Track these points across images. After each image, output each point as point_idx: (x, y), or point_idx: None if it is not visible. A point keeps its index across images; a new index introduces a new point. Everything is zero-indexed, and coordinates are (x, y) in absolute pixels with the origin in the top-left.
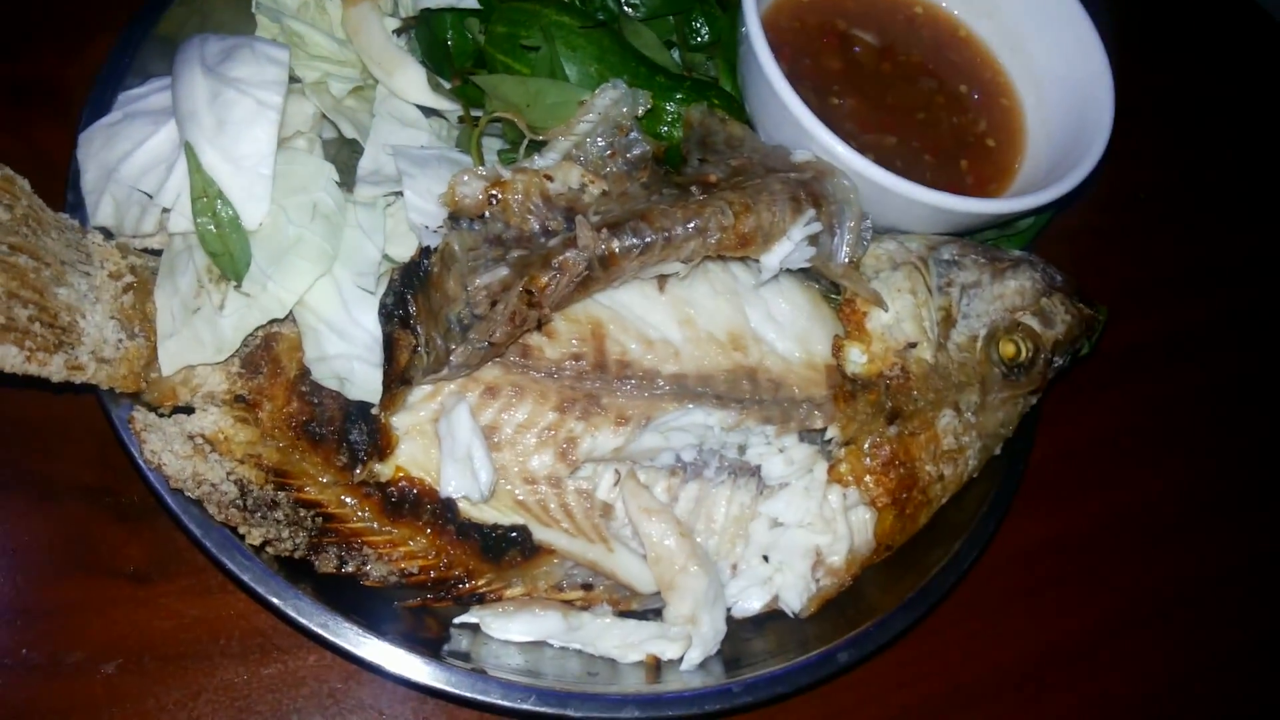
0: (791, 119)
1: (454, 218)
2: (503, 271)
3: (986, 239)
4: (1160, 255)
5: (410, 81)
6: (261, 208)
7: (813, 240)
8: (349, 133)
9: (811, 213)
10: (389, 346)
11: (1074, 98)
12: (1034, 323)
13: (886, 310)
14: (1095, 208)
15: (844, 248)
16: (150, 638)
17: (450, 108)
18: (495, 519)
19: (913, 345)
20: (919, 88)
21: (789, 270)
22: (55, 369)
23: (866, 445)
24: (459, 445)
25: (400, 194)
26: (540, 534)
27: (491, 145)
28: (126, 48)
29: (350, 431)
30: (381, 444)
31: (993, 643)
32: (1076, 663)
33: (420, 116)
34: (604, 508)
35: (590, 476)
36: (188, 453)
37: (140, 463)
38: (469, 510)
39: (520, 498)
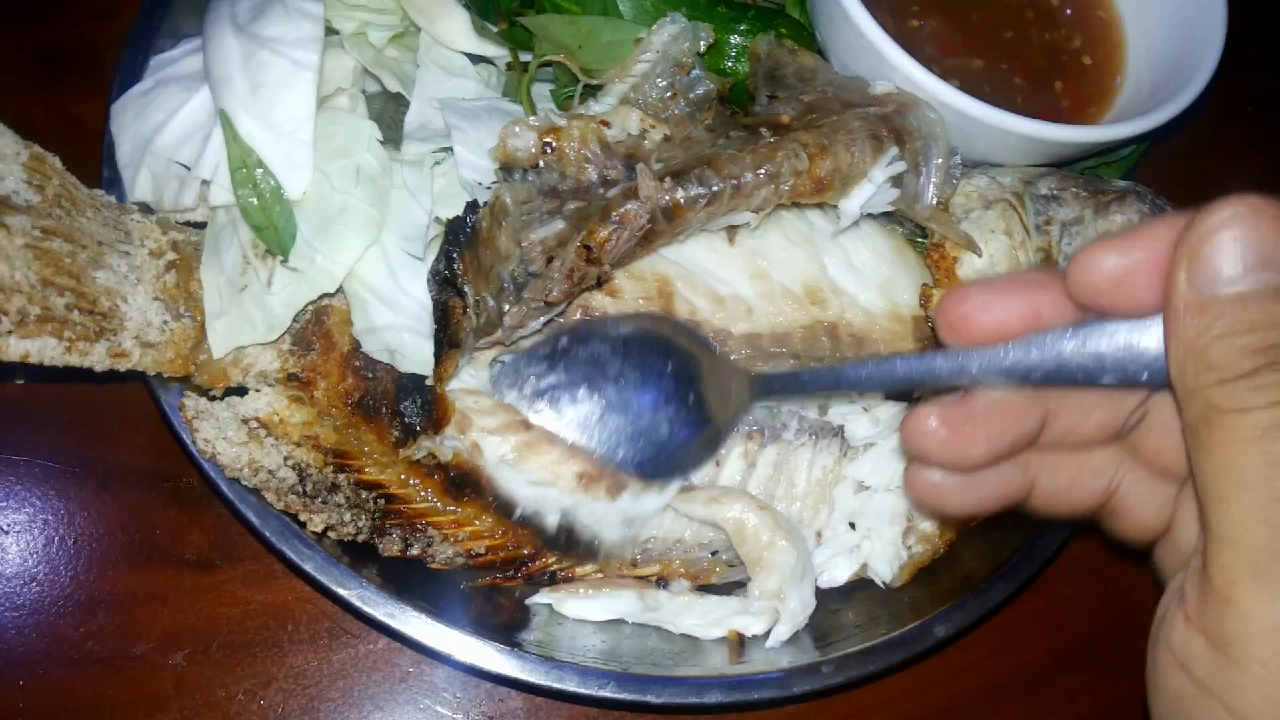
0: (868, 45)
1: (506, 169)
2: (559, 225)
3: (1085, 167)
4: (1273, 174)
5: (454, 27)
6: (304, 175)
7: (896, 181)
8: (392, 86)
9: (894, 150)
10: (442, 312)
11: (1179, 4)
12: None
13: (980, 254)
14: (1197, 123)
15: (931, 187)
16: (217, 626)
17: (498, 53)
18: None
19: None
20: (1005, 3)
21: (870, 215)
22: (98, 358)
23: None
24: None
25: (449, 150)
26: None
27: (542, 92)
28: (156, 6)
29: (403, 404)
30: (436, 415)
31: (1099, 601)
32: None
33: (467, 64)
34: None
35: None
36: (242, 439)
37: (194, 450)
38: None
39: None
